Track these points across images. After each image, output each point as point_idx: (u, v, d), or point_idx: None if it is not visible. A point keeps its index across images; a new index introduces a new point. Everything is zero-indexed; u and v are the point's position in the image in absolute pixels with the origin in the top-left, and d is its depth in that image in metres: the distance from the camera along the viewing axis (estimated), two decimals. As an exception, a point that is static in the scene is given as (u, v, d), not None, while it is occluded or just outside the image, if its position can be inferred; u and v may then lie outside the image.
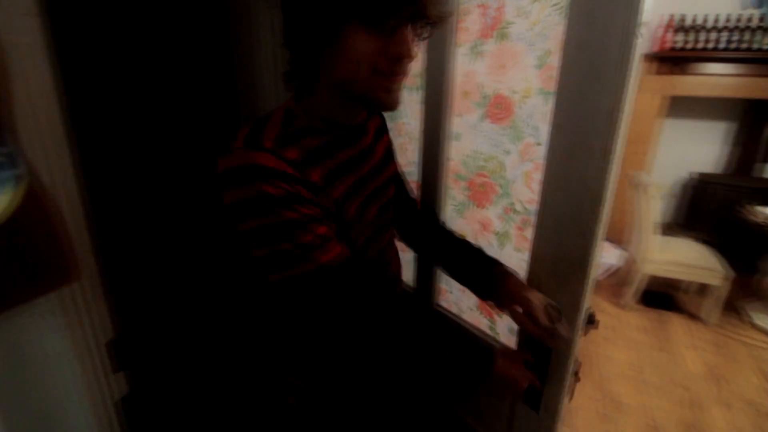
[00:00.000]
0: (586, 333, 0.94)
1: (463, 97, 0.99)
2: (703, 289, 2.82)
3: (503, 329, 1.01)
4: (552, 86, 0.81)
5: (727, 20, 3.04)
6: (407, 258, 1.24)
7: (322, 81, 0.60)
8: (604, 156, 0.73)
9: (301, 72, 0.60)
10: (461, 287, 1.02)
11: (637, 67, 0.71)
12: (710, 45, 3.05)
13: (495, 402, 1.01)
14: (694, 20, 3.07)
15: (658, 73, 3.34)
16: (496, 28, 0.89)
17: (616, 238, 3.74)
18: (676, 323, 2.77)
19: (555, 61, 0.81)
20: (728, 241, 3.51)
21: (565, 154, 0.78)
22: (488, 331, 1.04)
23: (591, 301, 2.69)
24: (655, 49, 3.19)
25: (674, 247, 2.82)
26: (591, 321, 0.94)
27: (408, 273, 1.22)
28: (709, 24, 3.05)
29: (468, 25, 0.94)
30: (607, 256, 3.50)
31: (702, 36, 3.06)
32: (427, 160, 1.07)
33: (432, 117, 1.03)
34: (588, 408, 2.03)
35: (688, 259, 2.71)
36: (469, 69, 0.96)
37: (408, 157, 1.17)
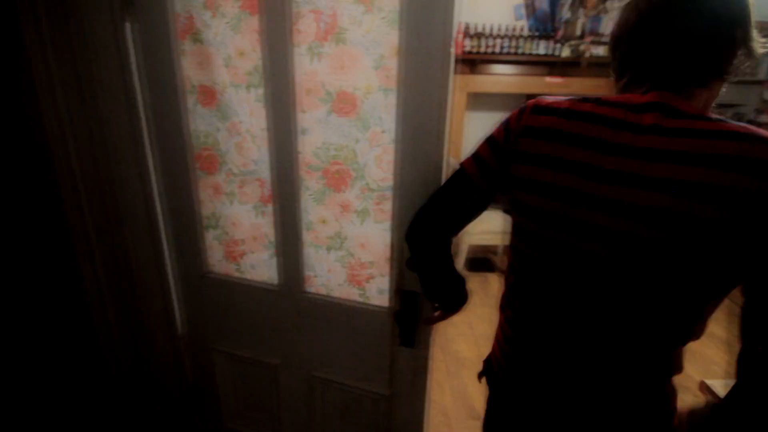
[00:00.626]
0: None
1: (306, 94, 1.04)
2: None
3: (373, 293, 1.14)
4: (390, 84, 0.95)
5: (505, 29, 3.74)
6: (263, 257, 1.21)
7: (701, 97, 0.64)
8: (438, 137, 0.94)
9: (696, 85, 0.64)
10: (329, 269, 1.16)
11: (453, 67, 0.90)
12: (493, 50, 3.71)
13: (376, 358, 1.14)
14: (476, 28, 3.69)
15: (459, 73, 3.92)
16: (331, 33, 0.97)
17: (443, 216, 4.30)
18: (494, 281, 3.35)
19: (390, 63, 0.94)
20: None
21: (411, 139, 0.95)
22: (359, 299, 1.16)
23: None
24: (456, 52, 3.72)
25: (486, 219, 3.38)
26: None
27: (271, 271, 1.22)
28: (488, 32, 3.70)
29: (302, 27, 0.97)
30: (438, 233, 3.99)
31: (488, 42, 3.69)
32: (278, 156, 1.08)
33: (278, 114, 1.05)
34: (437, 369, 2.31)
35: (498, 227, 3.28)
36: (310, 68, 1.00)
37: (251, 155, 1.13)
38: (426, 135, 0.94)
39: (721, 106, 4.79)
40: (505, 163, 0.74)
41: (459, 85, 3.96)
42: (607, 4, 3.80)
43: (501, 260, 3.70)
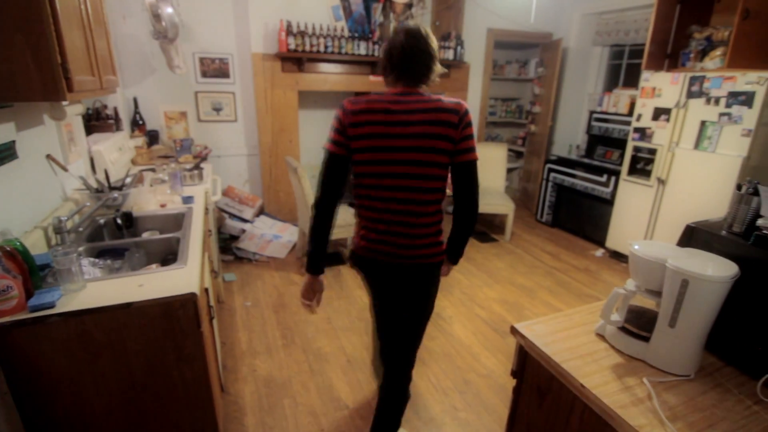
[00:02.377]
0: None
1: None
2: (356, 241, 3.61)
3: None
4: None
5: (327, 29, 3.83)
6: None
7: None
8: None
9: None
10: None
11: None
12: (318, 48, 3.77)
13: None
14: (298, 27, 3.69)
15: (286, 71, 3.87)
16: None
17: (289, 217, 4.23)
18: (346, 273, 3.46)
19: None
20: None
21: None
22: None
23: (280, 278, 2.91)
24: (281, 50, 3.66)
25: (332, 214, 3.45)
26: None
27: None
28: (310, 31, 3.75)
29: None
30: (285, 235, 3.91)
31: (312, 41, 3.73)
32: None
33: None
34: (300, 369, 2.28)
35: (341, 221, 3.38)
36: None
37: None
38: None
39: (507, 99, 5.83)
40: (347, 139, 1.34)
41: (289, 83, 3.92)
42: (413, 10, 4.22)
43: (349, 251, 3.83)
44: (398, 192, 1.34)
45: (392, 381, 1.63)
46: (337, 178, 1.38)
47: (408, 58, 1.30)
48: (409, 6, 4.15)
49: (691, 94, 3.14)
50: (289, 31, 3.63)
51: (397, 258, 1.40)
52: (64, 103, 1.75)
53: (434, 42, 1.34)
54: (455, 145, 1.31)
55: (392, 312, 1.51)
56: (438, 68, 1.36)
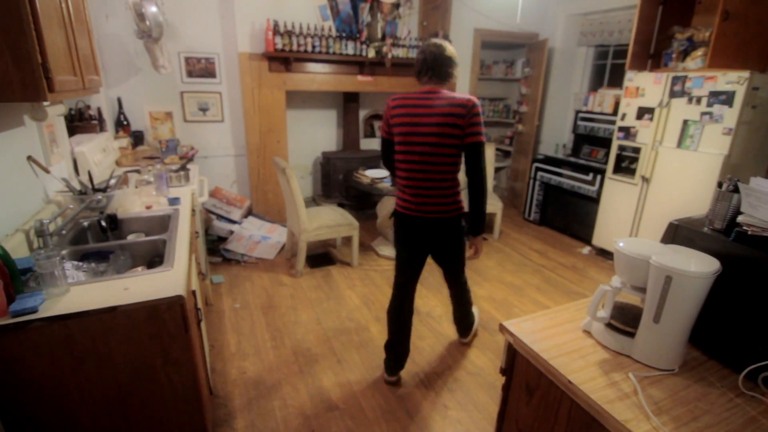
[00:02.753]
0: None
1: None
2: (346, 240, 3.61)
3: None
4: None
5: (314, 29, 3.81)
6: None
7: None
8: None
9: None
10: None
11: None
12: (305, 48, 3.75)
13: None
14: (285, 26, 3.67)
15: (273, 71, 3.85)
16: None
17: (277, 218, 4.20)
18: (336, 273, 3.45)
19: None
20: (353, 200, 4.60)
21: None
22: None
23: (269, 279, 2.90)
24: (268, 49, 3.64)
25: (320, 215, 3.44)
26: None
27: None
28: (297, 31, 3.73)
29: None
30: (274, 236, 3.88)
31: (300, 41, 3.71)
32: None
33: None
34: (289, 371, 2.27)
35: (331, 221, 3.38)
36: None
37: None
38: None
39: (494, 99, 5.88)
40: (389, 126, 1.95)
41: (277, 83, 3.89)
42: (401, 10, 4.23)
43: (340, 252, 3.83)
44: (421, 165, 1.87)
45: (402, 300, 2.16)
46: (388, 154, 2.05)
47: (432, 64, 1.84)
48: (397, 6, 4.15)
49: (673, 94, 3.20)
50: (276, 31, 3.61)
51: (421, 213, 1.94)
52: (46, 103, 1.71)
53: (451, 50, 1.86)
54: (463, 130, 1.78)
55: (412, 256, 2.08)
56: (457, 71, 1.91)
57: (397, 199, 2.03)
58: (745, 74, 2.77)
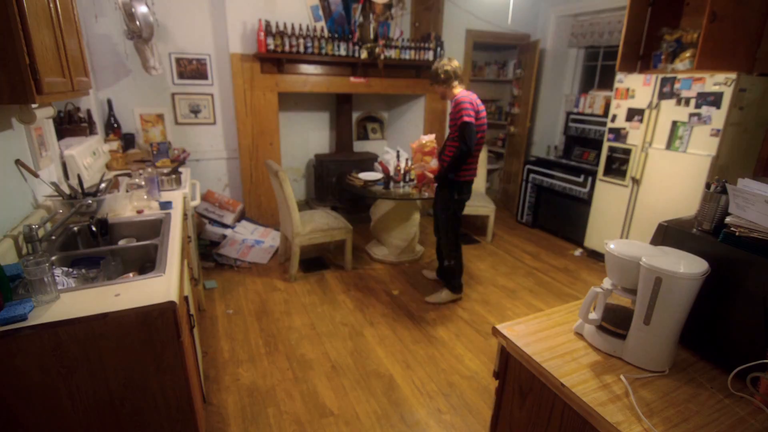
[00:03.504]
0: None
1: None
2: (340, 244, 3.60)
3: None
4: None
5: (306, 30, 3.80)
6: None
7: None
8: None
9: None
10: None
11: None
12: (297, 49, 3.74)
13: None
14: (277, 27, 3.66)
15: (265, 72, 3.83)
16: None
17: (270, 221, 4.18)
18: (330, 277, 3.44)
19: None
20: (346, 203, 4.59)
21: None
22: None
23: (263, 284, 2.88)
24: (260, 50, 3.62)
25: (313, 218, 3.43)
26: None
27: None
28: (289, 31, 3.71)
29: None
30: (267, 240, 3.87)
31: (292, 41, 3.69)
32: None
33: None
34: (284, 377, 2.26)
35: (324, 225, 3.37)
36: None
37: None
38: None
39: (487, 100, 5.91)
40: (476, 113, 2.70)
41: (269, 85, 3.87)
42: (393, 11, 4.23)
43: (334, 255, 3.82)
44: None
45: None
46: (475, 135, 2.69)
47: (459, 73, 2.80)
48: (389, 7, 4.16)
49: (662, 95, 3.24)
50: (267, 31, 3.59)
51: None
52: (34, 105, 1.69)
53: (436, 65, 2.82)
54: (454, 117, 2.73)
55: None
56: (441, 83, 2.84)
57: (464, 172, 2.77)
58: (733, 76, 2.81)
